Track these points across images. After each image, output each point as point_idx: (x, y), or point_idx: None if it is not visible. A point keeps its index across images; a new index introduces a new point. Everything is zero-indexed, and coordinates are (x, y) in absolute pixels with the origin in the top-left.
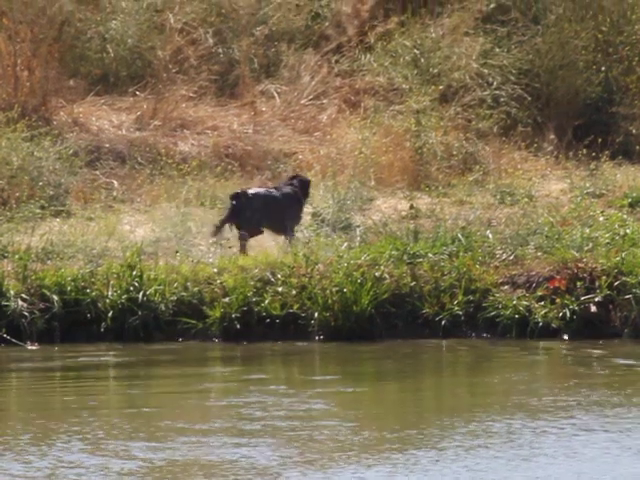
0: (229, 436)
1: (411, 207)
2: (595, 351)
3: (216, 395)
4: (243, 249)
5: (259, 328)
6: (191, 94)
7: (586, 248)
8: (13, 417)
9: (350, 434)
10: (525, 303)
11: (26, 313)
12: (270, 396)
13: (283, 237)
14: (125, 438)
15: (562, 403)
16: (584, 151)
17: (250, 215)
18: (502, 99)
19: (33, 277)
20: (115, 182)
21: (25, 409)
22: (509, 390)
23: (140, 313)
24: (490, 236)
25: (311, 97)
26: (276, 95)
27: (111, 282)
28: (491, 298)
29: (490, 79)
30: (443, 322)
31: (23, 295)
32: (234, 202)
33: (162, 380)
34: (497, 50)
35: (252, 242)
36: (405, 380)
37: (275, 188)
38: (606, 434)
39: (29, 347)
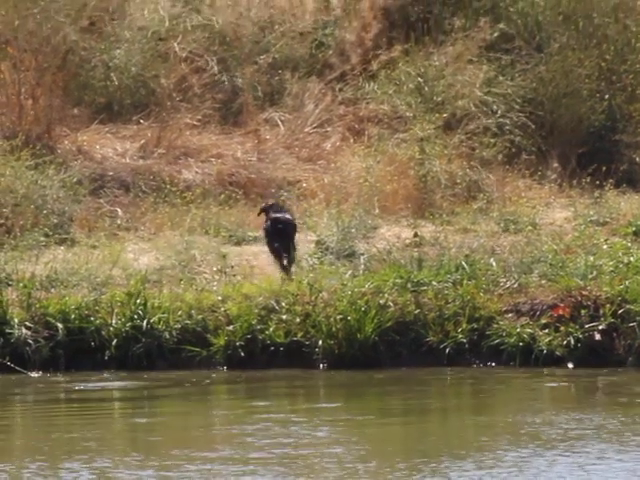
0: (236, 464)
1: (415, 235)
2: (601, 379)
3: (221, 423)
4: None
5: (263, 356)
6: (195, 122)
7: (590, 276)
8: (19, 447)
9: (357, 462)
10: (529, 331)
11: (30, 341)
12: (275, 424)
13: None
14: (133, 467)
15: (574, 431)
16: (588, 179)
17: (289, 239)
18: (506, 127)
19: (37, 305)
20: (119, 210)
21: (31, 438)
22: (518, 418)
23: (144, 341)
24: (494, 264)
25: (315, 125)
26: (280, 123)
27: (115, 310)
28: (495, 326)
29: (494, 107)
30: (447, 350)
31: (27, 323)
32: (281, 226)
33: (167, 408)
34: (501, 78)
35: (255, 270)
36: (411, 409)
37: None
38: (621, 463)
39: (33, 375)
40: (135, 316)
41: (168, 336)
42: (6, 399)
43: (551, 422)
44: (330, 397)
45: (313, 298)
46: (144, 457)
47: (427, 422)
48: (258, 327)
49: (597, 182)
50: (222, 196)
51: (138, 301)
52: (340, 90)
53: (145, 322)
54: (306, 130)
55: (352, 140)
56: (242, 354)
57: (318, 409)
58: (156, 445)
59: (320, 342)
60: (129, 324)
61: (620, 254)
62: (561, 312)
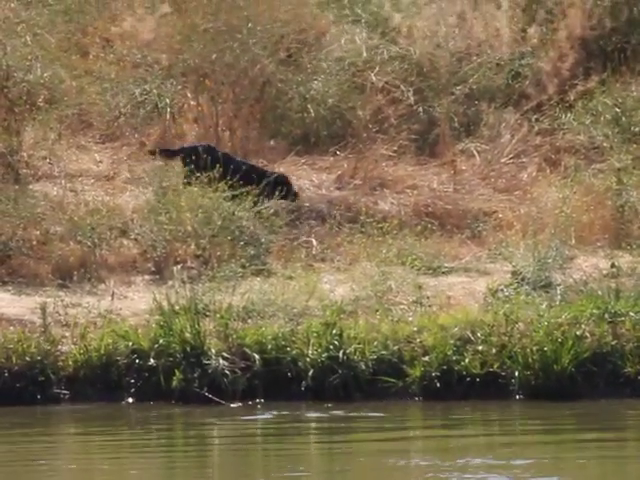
0: None
1: (612, 265)
2: None
3: (418, 455)
4: None
5: (459, 387)
6: (391, 153)
7: None
8: None
9: None
10: None
11: (227, 372)
12: (471, 456)
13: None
14: None
15: None
16: None
17: None
18: None
19: (234, 336)
20: (315, 241)
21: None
22: None
23: (340, 372)
24: None
25: (511, 156)
26: (476, 154)
27: (311, 341)
28: None
29: None
30: None
31: (224, 354)
32: None
33: (364, 439)
34: None
35: (451, 300)
36: (608, 444)
37: None
38: None
39: (231, 406)
40: (331, 347)
41: (364, 367)
42: (204, 430)
43: None
44: (527, 429)
45: (509, 329)
46: None
47: (625, 459)
48: (454, 358)
49: None
50: (418, 227)
51: (334, 332)
52: (536, 120)
53: (341, 353)
54: (502, 161)
55: (548, 171)
56: (438, 385)
57: (514, 441)
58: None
59: (516, 373)
60: (325, 355)
61: None
62: None
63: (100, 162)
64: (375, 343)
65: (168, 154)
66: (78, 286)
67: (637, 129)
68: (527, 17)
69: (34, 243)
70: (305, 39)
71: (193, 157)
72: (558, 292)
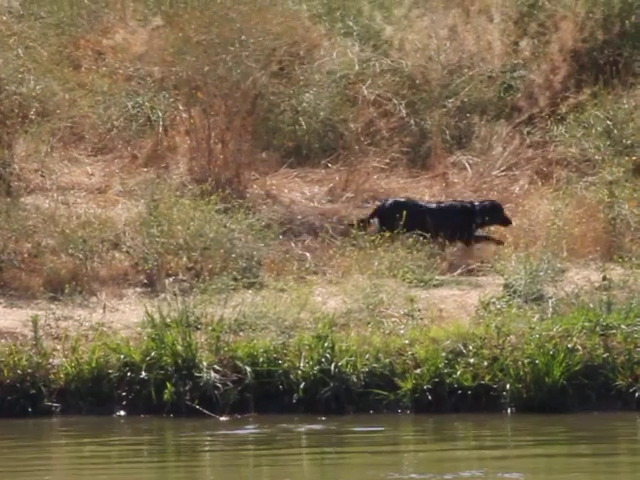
0: None
1: (604, 278)
2: None
3: (409, 468)
4: None
5: (451, 400)
6: (383, 166)
7: None
8: None
9: None
10: None
11: (219, 384)
12: (463, 470)
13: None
14: None
15: None
16: None
17: None
18: None
19: (226, 349)
20: (307, 254)
21: None
22: None
23: (332, 385)
24: None
25: (503, 168)
26: (468, 166)
27: (303, 353)
28: None
29: None
30: (637, 394)
31: (216, 366)
32: None
33: (355, 451)
34: None
35: (443, 313)
36: (600, 458)
37: None
38: None
39: (221, 419)
40: (323, 359)
41: (355, 379)
42: (195, 443)
43: None
44: (519, 442)
45: (501, 342)
46: None
47: (616, 472)
48: (445, 371)
49: None
50: (410, 240)
51: (326, 344)
52: (528, 133)
53: (333, 365)
54: (494, 173)
55: (540, 183)
56: (429, 398)
57: (506, 454)
58: None
59: (508, 386)
60: (317, 367)
61: None
62: None
63: (92, 175)
64: (367, 356)
65: (364, 222)
66: (70, 299)
67: (629, 142)
68: (519, 30)
69: (26, 256)
70: (297, 52)
71: (390, 214)
72: (550, 305)
